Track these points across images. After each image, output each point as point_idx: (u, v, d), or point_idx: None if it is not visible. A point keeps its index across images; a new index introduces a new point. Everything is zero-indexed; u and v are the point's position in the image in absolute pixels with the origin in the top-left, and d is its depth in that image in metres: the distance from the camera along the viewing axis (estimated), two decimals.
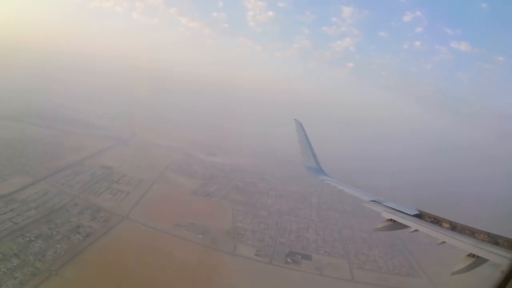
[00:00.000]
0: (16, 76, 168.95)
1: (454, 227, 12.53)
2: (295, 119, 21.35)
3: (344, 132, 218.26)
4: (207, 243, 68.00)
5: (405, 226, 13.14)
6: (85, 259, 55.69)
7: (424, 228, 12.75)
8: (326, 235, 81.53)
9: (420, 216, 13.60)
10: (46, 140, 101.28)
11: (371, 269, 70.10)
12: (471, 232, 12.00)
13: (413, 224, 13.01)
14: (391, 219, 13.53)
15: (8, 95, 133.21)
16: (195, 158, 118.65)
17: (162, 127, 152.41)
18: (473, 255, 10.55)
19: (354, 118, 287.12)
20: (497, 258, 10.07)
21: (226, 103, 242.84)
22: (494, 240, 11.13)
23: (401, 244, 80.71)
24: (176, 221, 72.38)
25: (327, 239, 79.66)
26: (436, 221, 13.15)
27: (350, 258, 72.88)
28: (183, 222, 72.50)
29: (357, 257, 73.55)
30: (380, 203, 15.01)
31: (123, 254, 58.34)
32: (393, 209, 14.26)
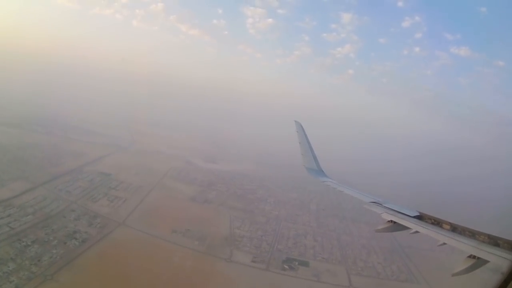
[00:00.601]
0: (16, 82, 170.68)
1: (454, 229, 12.46)
2: (295, 121, 21.36)
3: (344, 140, 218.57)
4: (203, 249, 67.72)
5: (405, 228, 13.05)
6: (80, 264, 55.67)
7: (424, 229, 12.66)
8: (324, 241, 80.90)
9: (420, 217, 13.57)
10: (46, 146, 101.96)
11: (369, 275, 69.30)
12: (471, 234, 11.93)
13: (414, 225, 12.95)
14: (391, 221, 13.44)
15: (8, 101, 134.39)
16: (194, 165, 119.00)
17: (162, 134, 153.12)
18: (474, 257, 10.47)
19: (354, 125, 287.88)
20: (497, 259, 9.99)
21: (227, 111, 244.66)
22: (494, 241, 11.10)
23: (400, 250, 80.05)
24: (173, 227, 72.27)
25: (325, 245, 79.03)
26: (437, 222, 13.11)
27: (348, 264, 72.17)
28: (180, 229, 72.37)
29: (355, 263, 72.85)
30: (381, 204, 14.95)
31: (119, 259, 58.26)
32: (394, 210, 14.19)
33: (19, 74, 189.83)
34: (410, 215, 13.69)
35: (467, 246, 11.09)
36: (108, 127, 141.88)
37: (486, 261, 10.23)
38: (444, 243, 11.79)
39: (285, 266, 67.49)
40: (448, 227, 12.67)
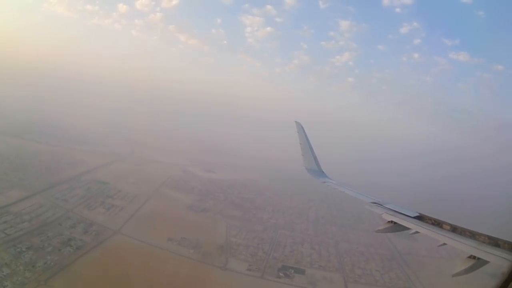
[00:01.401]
0: (14, 90, 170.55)
1: (454, 229, 12.47)
2: (296, 121, 21.07)
3: (344, 143, 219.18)
4: (199, 257, 67.36)
5: (405, 228, 13.08)
6: (74, 271, 55.68)
7: (424, 229, 12.67)
8: (321, 249, 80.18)
9: (420, 218, 13.62)
10: (44, 154, 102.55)
11: (366, 282, 68.48)
12: (471, 234, 11.90)
13: (414, 226, 12.97)
14: (391, 221, 13.49)
15: (8, 109, 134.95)
16: (192, 174, 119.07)
17: (161, 142, 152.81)
18: (474, 257, 10.49)
19: (354, 128, 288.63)
20: (497, 260, 9.98)
21: (226, 118, 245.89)
22: (494, 242, 11.09)
23: (399, 257, 79.23)
24: (169, 235, 71.93)
25: (322, 253, 78.32)
26: (437, 223, 13.12)
27: (346, 272, 71.38)
28: (176, 237, 72.08)
29: (353, 271, 72.03)
30: (381, 205, 15.02)
31: (113, 267, 58.00)
32: (394, 211, 14.25)
33: (18, 82, 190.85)
34: (411, 215, 13.77)
35: (467, 247, 11.10)
36: (107, 135, 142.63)
37: (486, 262, 10.22)
38: (444, 244, 11.88)
39: (281, 274, 66.84)
40: (448, 227, 12.70)
